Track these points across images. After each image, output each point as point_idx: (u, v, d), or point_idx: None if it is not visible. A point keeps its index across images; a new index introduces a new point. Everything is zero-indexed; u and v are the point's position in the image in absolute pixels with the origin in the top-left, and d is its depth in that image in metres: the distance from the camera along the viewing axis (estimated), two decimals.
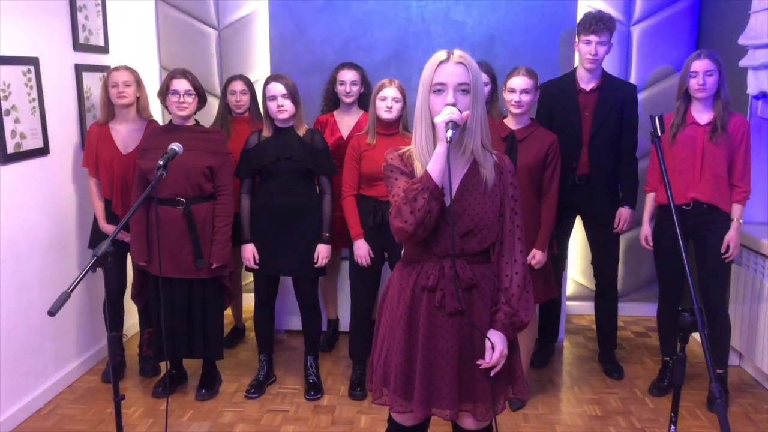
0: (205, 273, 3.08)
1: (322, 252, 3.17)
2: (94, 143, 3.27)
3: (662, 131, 2.08)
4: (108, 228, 3.29)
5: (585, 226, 3.57)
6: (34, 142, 3.11)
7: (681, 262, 1.85)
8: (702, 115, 3.04)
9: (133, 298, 3.30)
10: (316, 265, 3.18)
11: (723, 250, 3.04)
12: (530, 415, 3.13)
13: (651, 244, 3.25)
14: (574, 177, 3.34)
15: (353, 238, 3.16)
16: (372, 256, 3.16)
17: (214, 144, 3.08)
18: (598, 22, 3.20)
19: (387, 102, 3.06)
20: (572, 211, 3.49)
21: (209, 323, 3.16)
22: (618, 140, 3.35)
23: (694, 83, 2.99)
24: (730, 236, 3.03)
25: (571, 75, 3.41)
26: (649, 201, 3.27)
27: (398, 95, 3.07)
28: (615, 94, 3.31)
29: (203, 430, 2.99)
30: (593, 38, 3.21)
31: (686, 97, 3.06)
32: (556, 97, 3.38)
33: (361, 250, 3.14)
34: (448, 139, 1.72)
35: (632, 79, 4.12)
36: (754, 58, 3.36)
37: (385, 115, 3.07)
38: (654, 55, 4.13)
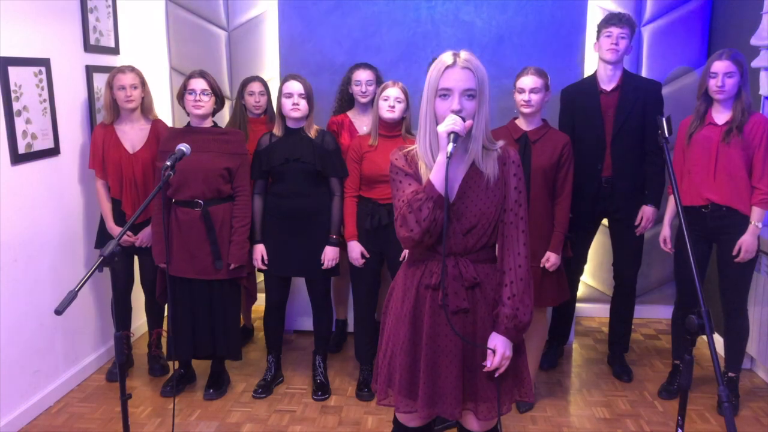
0: (224, 274, 3.08)
1: (329, 254, 3.16)
2: (99, 144, 3.28)
3: (670, 132, 2.07)
4: (116, 229, 3.30)
5: (610, 228, 3.52)
6: (44, 143, 3.14)
7: (693, 263, 1.83)
8: (721, 116, 2.99)
9: (158, 297, 3.30)
10: (323, 267, 3.18)
11: (734, 252, 2.98)
12: (538, 417, 3.11)
13: (669, 245, 3.22)
14: (600, 180, 3.30)
15: (347, 239, 3.17)
16: (367, 257, 3.16)
17: (231, 145, 3.08)
18: (620, 16, 3.23)
19: (389, 102, 3.05)
20: (595, 218, 3.45)
21: (229, 323, 3.17)
22: (642, 140, 3.28)
23: (713, 84, 2.94)
24: (744, 239, 2.95)
25: (592, 77, 3.37)
26: (671, 203, 3.24)
27: (401, 95, 3.07)
28: (636, 92, 3.25)
29: (211, 430, 3.00)
30: (615, 30, 3.20)
31: (706, 97, 3.00)
32: (576, 100, 3.34)
33: (354, 252, 3.15)
34: (449, 154, 1.71)
35: None
36: (766, 58, 3.33)
37: (387, 114, 3.06)
38: (665, 56, 4.09)
